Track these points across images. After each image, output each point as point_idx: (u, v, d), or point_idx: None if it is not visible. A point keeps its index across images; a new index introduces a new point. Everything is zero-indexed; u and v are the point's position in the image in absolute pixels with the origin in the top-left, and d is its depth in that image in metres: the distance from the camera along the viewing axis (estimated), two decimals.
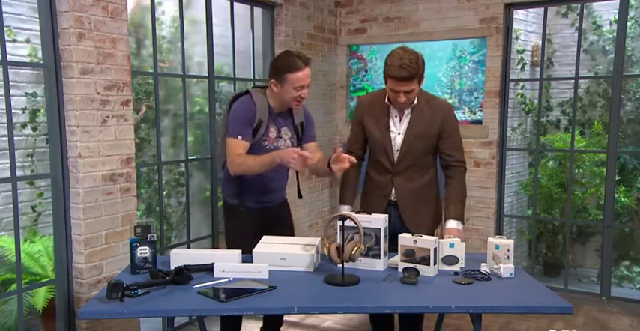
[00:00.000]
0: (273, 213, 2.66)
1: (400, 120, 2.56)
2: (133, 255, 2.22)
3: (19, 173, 3.24)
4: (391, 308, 2.07)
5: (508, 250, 2.26)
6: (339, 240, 2.22)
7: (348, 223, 2.16)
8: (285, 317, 3.44)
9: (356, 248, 2.10)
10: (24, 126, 3.40)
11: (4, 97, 2.58)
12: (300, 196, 2.79)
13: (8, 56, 2.64)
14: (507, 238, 2.33)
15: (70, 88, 2.59)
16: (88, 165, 2.66)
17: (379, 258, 2.25)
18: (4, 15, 2.60)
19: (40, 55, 2.93)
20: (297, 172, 2.69)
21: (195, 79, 4.14)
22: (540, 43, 4.28)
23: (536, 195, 4.26)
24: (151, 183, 4.03)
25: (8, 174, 2.72)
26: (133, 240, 2.23)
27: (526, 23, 4.71)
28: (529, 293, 2.09)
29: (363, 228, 2.16)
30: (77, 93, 2.59)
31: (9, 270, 3.16)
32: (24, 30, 3.35)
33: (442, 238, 2.34)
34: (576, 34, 4.21)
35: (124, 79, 2.81)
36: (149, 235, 2.25)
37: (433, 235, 2.36)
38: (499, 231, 4.13)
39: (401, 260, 2.23)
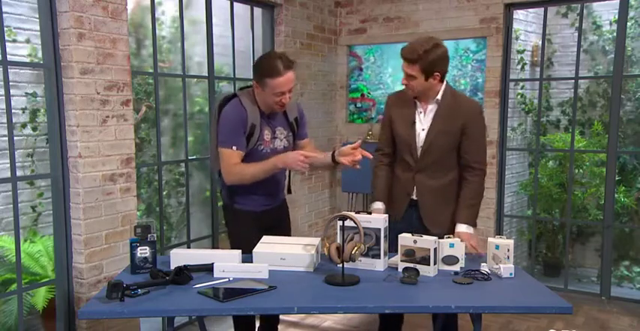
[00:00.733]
0: (274, 215, 2.64)
1: (425, 116, 2.54)
2: (133, 255, 2.22)
3: (19, 173, 3.25)
4: (391, 308, 2.07)
5: (508, 250, 2.26)
6: (339, 240, 2.22)
7: (348, 223, 2.16)
8: (285, 317, 3.45)
9: (356, 248, 2.09)
10: (24, 126, 3.40)
11: (4, 97, 2.58)
12: (289, 191, 2.74)
13: (8, 56, 2.64)
14: (507, 238, 2.32)
15: (70, 88, 2.59)
16: (88, 165, 2.66)
17: (379, 258, 2.25)
18: (4, 15, 2.60)
19: (40, 55, 2.93)
20: (289, 171, 2.67)
21: (195, 79, 4.15)
22: (540, 43, 4.28)
23: (536, 195, 4.26)
24: (151, 183, 4.03)
25: (8, 174, 2.72)
26: (133, 240, 2.23)
27: (526, 23, 4.71)
28: (529, 293, 2.09)
29: (363, 228, 2.16)
30: (77, 93, 2.59)
31: (9, 270, 3.16)
32: (24, 30, 3.35)
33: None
34: (576, 34, 4.21)
35: (124, 79, 2.81)
36: (149, 235, 2.24)
37: (453, 236, 2.35)
38: (499, 231, 4.13)
39: (401, 260, 2.23)
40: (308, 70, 4.30)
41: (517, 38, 4.58)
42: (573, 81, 4.09)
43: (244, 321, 2.64)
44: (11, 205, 2.72)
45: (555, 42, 5.04)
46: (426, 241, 2.19)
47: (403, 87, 2.53)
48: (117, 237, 2.81)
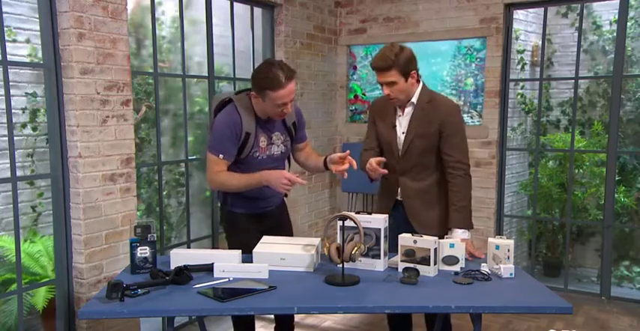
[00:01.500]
0: (271, 217, 2.62)
1: (403, 119, 2.55)
2: (133, 255, 2.22)
3: (19, 173, 3.25)
4: (391, 308, 2.07)
5: (508, 250, 2.26)
6: (339, 240, 2.22)
7: (348, 223, 2.16)
8: None
9: (356, 248, 2.09)
10: (24, 126, 3.40)
11: (4, 97, 2.58)
12: (285, 195, 2.71)
13: (8, 56, 2.64)
14: (507, 238, 2.32)
15: (70, 88, 2.59)
16: (88, 165, 2.66)
17: (379, 258, 2.24)
18: (4, 15, 2.60)
19: (40, 55, 2.93)
20: (288, 167, 2.65)
21: (195, 79, 4.15)
22: (540, 43, 4.28)
23: (536, 195, 4.26)
24: (151, 183, 4.03)
25: (8, 174, 2.72)
26: (133, 240, 2.23)
27: (526, 23, 4.71)
28: (529, 293, 2.09)
29: (363, 228, 2.16)
30: (77, 93, 2.59)
31: (9, 270, 3.16)
32: (24, 30, 3.35)
33: None
34: (576, 34, 4.21)
35: (124, 79, 2.81)
36: (149, 235, 2.24)
37: (443, 238, 2.34)
38: (499, 231, 4.13)
39: (401, 261, 2.23)
40: (308, 70, 4.30)
41: (517, 38, 4.58)
42: (573, 81, 4.09)
43: (244, 322, 2.63)
44: (11, 205, 2.72)
45: (555, 42, 5.04)
46: (426, 241, 2.18)
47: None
48: (117, 237, 2.81)
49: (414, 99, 2.51)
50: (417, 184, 2.58)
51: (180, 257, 2.29)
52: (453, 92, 4.22)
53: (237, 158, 2.41)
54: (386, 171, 2.46)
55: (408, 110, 2.54)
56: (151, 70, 3.39)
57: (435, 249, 2.20)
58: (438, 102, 2.54)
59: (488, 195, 4.09)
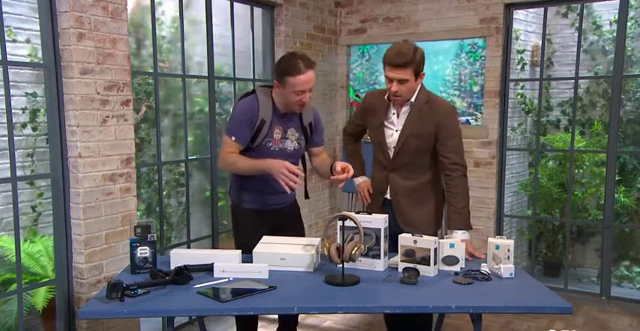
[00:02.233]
0: (281, 215, 2.62)
1: (398, 117, 2.56)
2: (133, 255, 2.22)
3: (19, 173, 3.25)
4: (391, 308, 2.07)
5: (508, 250, 2.26)
6: (339, 240, 2.22)
7: (348, 223, 2.16)
8: None
9: (356, 248, 2.09)
10: (24, 126, 3.40)
11: (4, 97, 2.58)
12: (307, 196, 2.75)
13: (8, 56, 2.64)
14: (507, 238, 2.32)
15: (70, 88, 2.59)
16: (88, 165, 2.66)
17: (379, 258, 2.25)
18: (4, 15, 2.60)
19: (40, 55, 2.93)
20: (305, 173, 2.65)
21: (195, 79, 4.15)
22: (540, 43, 4.28)
23: (536, 195, 4.26)
24: (151, 183, 4.03)
25: (8, 174, 2.72)
26: (133, 240, 2.23)
27: (526, 23, 4.71)
28: (529, 293, 2.09)
29: (363, 228, 2.16)
30: (77, 93, 2.59)
31: (9, 270, 3.16)
32: (24, 30, 3.35)
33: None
34: (576, 34, 4.21)
35: (124, 79, 2.81)
36: (149, 235, 2.24)
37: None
38: (499, 231, 4.13)
39: (401, 261, 2.23)
40: None
41: (517, 38, 4.57)
42: (573, 81, 4.09)
43: (246, 321, 2.64)
44: (11, 205, 2.72)
45: (555, 42, 5.04)
46: (426, 241, 2.19)
47: (384, 88, 2.55)
48: (117, 237, 2.81)
49: (413, 99, 2.52)
50: (407, 182, 2.59)
51: (180, 257, 2.29)
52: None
53: (251, 145, 2.47)
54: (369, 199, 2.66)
55: (405, 109, 2.54)
56: (151, 70, 3.39)
57: (435, 249, 2.20)
58: (436, 104, 2.55)
59: (488, 195, 4.09)
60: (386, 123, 2.58)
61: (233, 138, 2.44)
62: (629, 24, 4.33)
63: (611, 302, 3.84)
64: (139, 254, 2.22)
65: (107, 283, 1.92)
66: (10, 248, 3.12)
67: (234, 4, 3.72)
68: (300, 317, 3.50)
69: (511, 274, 2.20)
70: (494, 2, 3.96)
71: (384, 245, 2.24)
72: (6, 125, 2.62)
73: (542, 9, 4.03)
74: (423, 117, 2.51)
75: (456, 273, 2.23)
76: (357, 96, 4.68)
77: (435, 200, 2.63)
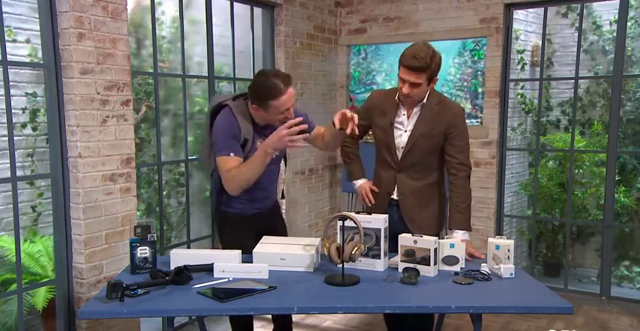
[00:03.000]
0: (265, 218, 2.61)
1: (409, 118, 2.56)
2: (133, 255, 2.22)
3: (19, 173, 3.24)
4: (391, 309, 2.07)
5: (508, 250, 2.26)
6: (339, 240, 2.22)
7: (348, 223, 2.16)
8: None
9: (356, 248, 2.09)
10: (24, 126, 3.40)
11: (4, 97, 2.58)
12: (282, 196, 2.72)
13: (8, 56, 2.64)
14: (507, 238, 2.33)
15: (70, 88, 2.59)
16: (88, 165, 2.66)
17: (379, 258, 2.25)
18: (4, 15, 2.60)
19: (40, 55, 2.93)
20: (283, 174, 2.63)
21: (195, 79, 4.15)
22: (540, 43, 4.28)
23: (536, 195, 4.26)
24: (151, 183, 4.03)
25: (8, 174, 2.72)
26: (133, 240, 2.23)
27: (526, 23, 4.71)
28: (529, 293, 2.09)
29: (363, 228, 2.16)
30: (77, 93, 2.59)
31: (9, 270, 3.15)
32: (24, 30, 3.34)
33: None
34: (576, 34, 4.21)
35: (124, 79, 2.81)
36: (149, 235, 2.24)
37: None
38: (499, 231, 4.13)
39: (401, 261, 2.23)
40: (308, 70, 4.30)
41: (517, 38, 4.57)
42: (573, 81, 4.09)
43: (242, 322, 2.63)
44: (11, 205, 2.72)
45: (555, 42, 5.04)
46: (426, 241, 2.19)
47: (391, 88, 2.54)
48: (117, 237, 2.81)
49: (425, 100, 2.51)
50: (415, 183, 2.59)
51: (180, 257, 2.29)
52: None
53: None
54: (372, 200, 2.66)
55: (416, 110, 2.54)
56: (151, 70, 3.39)
57: (435, 249, 2.20)
58: (447, 105, 2.55)
59: (488, 195, 4.09)
60: (395, 123, 2.58)
61: (232, 154, 2.32)
62: (629, 24, 4.33)
63: (611, 302, 3.85)
64: (139, 255, 2.22)
65: (107, 283, 1.92)
66: (10, 248, 3.12)
67: (234, 4, 3.72)
68: (300, 317, 3.51)
69: (511, 274, 2.20)
70: (494, 2, 3.96)
71: (384, 245, 2.24)
72: (6, 125, 2.62)
73: (542, 9, 4.03)
74: (434, 118, 2.51)
75: (456, 273, 2.23)
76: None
77: (439, 201, 2.64)
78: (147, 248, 2.23)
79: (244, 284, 2.07)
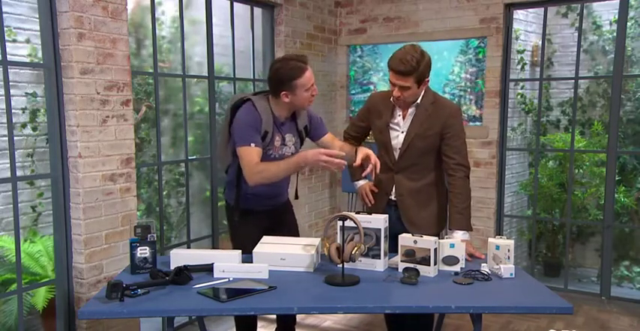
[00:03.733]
0: (277, 215, 2.64)
1: (404, 119, 2.56)
2: (132, 255, 2.22)
3: (19, 173, 3.24)
4: (391, 309, 2.07)
5: (508, 250, 2.26)
6: (339, 240, 2.22)
7: (348, 223, 2.16)
8: None
9: (356, 248, 2.09)
10: (24, 126, 3.40)
11: (4, 97, 2.58)
12: (296, 197, 2.75)
13: (8, 56, 2.64)
14: (507, 238, 2.32)
15: (70, 88, 2.59)
16: (88, 165, 2.66)
17: (379, 259, 2.25)
18: (4, 15, 2.60)
19: (40, 55, 2.93)
20: (297, 175, 2.66)
21: (195, 79, 4.14)
22: (540, 43, 4.27)
23: (536, 195, 4.26)
24: (151, 183, 4.03)
25: (8, 174, 2.72)
26: (133, 240, 2.23)
27: (526, 23, 4.71)
28: (529, 293, 2.09)
29: (363, 228, 2.16)
30: (77, 93, 2.59)
31: (9, 270, 3.15)
32: (24, 30, 3.34)
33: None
34: (576, 34, 4.21)
35: (124, 79, 2.81)
36: (149, 235, 2.24)
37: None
38: (499, 231, 4.13)
39: (401, 261, 2.23)
40: None
41: (517, 38, 4.57)
42: (573, 81, 4.09)
43: (246, 322, 2.64)
44: (11, 205, 2.72)
45: (555, 42, 5.04)
46: (426, 241, 2.18)
47: (389, 90, 2.55)
48: (117, 237, 2.81)
49: (419, 101, 2.52)
50: (412, 183, 2.59)
51: (180, 257, 2.29)
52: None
53: None
54: (372, 200, 2.67)
55: (411, 110, 2.54)
56: (151, 70, 3.39)
57: (435, 249, 2.20)
58: (441, 105, 2.55)
59: (488, 195, 4.09)
60: (391, 124, 2.58)
61: (252, 144, 2.36)
62: (629, 24, 4.32)
63: (611, 302, 3.84)
64: (138, 255, 2.22)
65: (107, 283, 1.92)
66: (10, 248, 3.12)
67: (234, 4, 3.72)
68: (300, 317, 3.50)
69: (511, 274, 2.20)
70: (494, 2, 3.96)
71: (384, 245, 2.24)
72: (6, 125, 2.62)
73: (542, 9, 4.03)
74: (429, 118, 2.51)
75: (456, 273, 2.23)
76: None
77: (438, 201, 2.63)
78: (147, 248, 2.23)
79: (244, 284, 2.07)
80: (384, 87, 4.39)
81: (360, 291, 2.04)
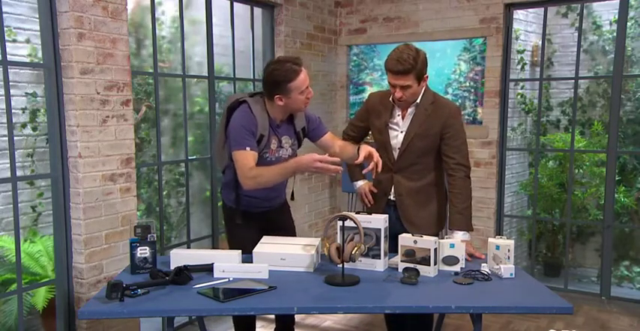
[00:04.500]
0: (274, 217, 2.63)
1: (403, 119, 2.56)
2: (132, 255, 2.22)
3: (19, 173, 3.24)
4: (391, 309, 2.07)
5: (508, 250, 2.26)
6: (339, 240, 2.22)
7: (348, 223, 2.16)
8: None
9: (356, 248, 2.09)
10: (24, 126, 3.40)
11: (4, 97, 2.58)
12: (292, 198, 2.74)
13: (8, 56, 2.64)
14: (507, 238, 2.32)
15: (70, 88, 2.59)
16: (88, 165, 2.66)
17: (379, 258, 2.25)
18: (4, 15, 2.60)
19: (40, 55, 2.93)
20: (294, 176, 2.66)
21: (195, 79, 4.15)
22: (540, 43, 4.27)
23: (536, 195, 4.26)
24: (151, 183, 4.03)
25: (8, 174, 2.72)
26: (133, 240, 2.23)
27: (526, 23, 4.71)
28: (529, 293, 2.09)
29: (363, 228, 2.16)
30: (77, 93, 2.59)
31: (9, 270, 3.16)
32: (24, 30, 3.34)
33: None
34: (576, 34, 4.21)
35: (124, 79, 2.81)
36: (149, 235, 2.24)
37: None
38: (499, 231, 4.13)
39: (401, 261, 2.23)
40: (308, 70, 4.27)
41: (517, 38, 4.57)
42: (573, 81, 4.09)
43: (244, 322, 2.64)
44: (11, 205, 2.72)
45: (555, 42, 5.04)
46: (427, 241, 2.18)
47: (388, 89, 2.55)
48: (117, 237, 2.81)
49: (418, 100, 2.52)
50: (411, 183, 2.59)
51: (180, 257, 2.29)
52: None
53: None
54: (371, 200, 2.67)
55: (411, 110, 2.54)
56: (151, 70, 3.39)
57: (435, 249, 2.20)
58: (441, 104, 2.55)
59: (488, 195, 4.09)
60: (390, 124, 2.58)
61: (248, 148, 2.34)
62: (629, 24, 4.33)
63: (611, 302, 3.85)
64: (138, 255, 2.22)
65: (107, 283, 1.92)
66: (10, 248, 3.12)
67: (234, 4, 3.72)
68: (300, 317, 3.50)
69: (511, 274, 2.20)
70: (494, 2, 3.96)
71: (384, 245, 2.24)
72: (6, 125, 2.62)
73: (542, 9, 4.03)
74: (429, 118, 2.51)
75: (456, 273, 2.23)
76: None
77: (438, 201, 2.63)
78: (147, 248, 2.23)
79: (244, 284, 2.07)
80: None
81: (360, 291, 2.04)
